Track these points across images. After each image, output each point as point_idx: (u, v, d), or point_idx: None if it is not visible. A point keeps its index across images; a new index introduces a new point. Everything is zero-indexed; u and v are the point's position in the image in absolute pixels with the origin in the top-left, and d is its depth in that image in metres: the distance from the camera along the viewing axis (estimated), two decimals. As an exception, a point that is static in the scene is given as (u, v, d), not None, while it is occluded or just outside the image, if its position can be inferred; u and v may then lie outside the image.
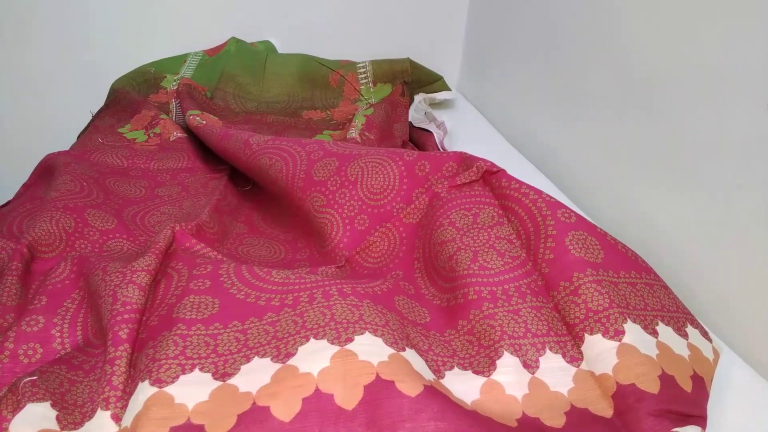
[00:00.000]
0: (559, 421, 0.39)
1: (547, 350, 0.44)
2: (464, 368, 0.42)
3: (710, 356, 0.44)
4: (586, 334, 0.43)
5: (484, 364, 0.43)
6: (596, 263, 0.47)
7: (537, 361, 0.43)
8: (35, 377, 0.38)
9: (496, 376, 0.42)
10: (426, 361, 0.41)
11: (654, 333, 0.43)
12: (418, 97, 1.12)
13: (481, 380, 0.41)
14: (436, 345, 0.44)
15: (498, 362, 0.43)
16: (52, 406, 0.37)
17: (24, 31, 1.10)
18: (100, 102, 1.03)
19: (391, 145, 0.95)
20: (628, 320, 0.43)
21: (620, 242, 0.50)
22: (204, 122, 0.84)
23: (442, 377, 0.41)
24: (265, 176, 0.69)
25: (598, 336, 0.43)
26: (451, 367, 0.42)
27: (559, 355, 0.44)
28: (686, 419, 0.39)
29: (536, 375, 0.42)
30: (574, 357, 0.43)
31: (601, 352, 0.42)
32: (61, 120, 1.14)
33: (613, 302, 0.44)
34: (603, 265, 0.47)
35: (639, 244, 0.69)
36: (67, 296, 0.48)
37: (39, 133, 1.19)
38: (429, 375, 0.40)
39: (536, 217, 0.51)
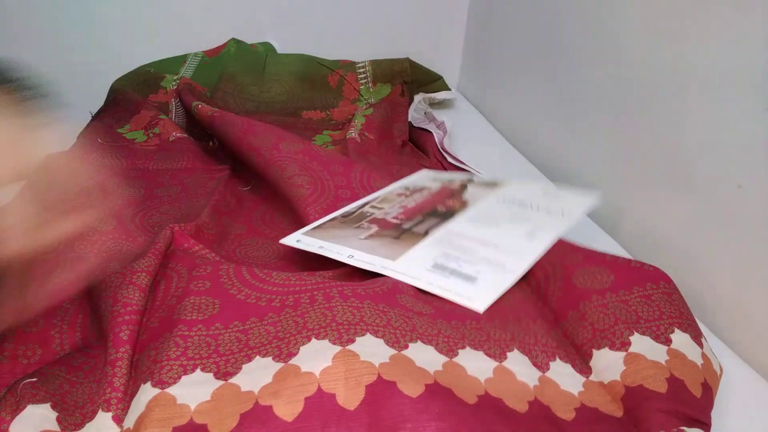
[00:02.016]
0: (568, 415, 0.39)
1: (558, 358, 0.44)
2: (476, 349, 0.43)
3: (717, 370, 0.44)
4: (593, 350, 0.44)
5: (494, 351, 0.43)
6: (604, 289, 0.48)
7: (547, 364, 0.44)
8: (35, 379, 0.38)
9: (506, 364, 0.42)
10: (436, 344, 0.41)
11: (667, 341, 0.43)
12: (418, 97, 1.12)
13: (493, 363, 0.42)
14: (445, 329, 0.44)
15: (509, 354, 0.43)
16: (53, 407, 0.37)
17: (23, 31, 1.10)
18: (99, 102, 1.03)
19: (391, 145, 0.95)
20: (635, 333, 0.44)
21: (635, 260, 0.51)
22: (215, 111, 0.83)
23: (456, 356, 0.41)
24: (283, 185, 0.69)
25: (605, 349, 0.44)
26: (463, 347, 0.42)
27: (569, 365, 0.44)
28: (692, 423, 0.39)
29: (546, 374, 0.43)
30: (584, 370, 0.44)
31: (608, 363, 0.43)
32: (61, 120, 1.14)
33: (619, 319, 0.45)
34: (612, 288, 0.48)
35: (638, 244, 0.69)
36: None
37: (38, 133, 1.18)
38: (437, 362, 0.39)
39: (546, 267, 0.53)
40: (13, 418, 0.35)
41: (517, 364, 0.42)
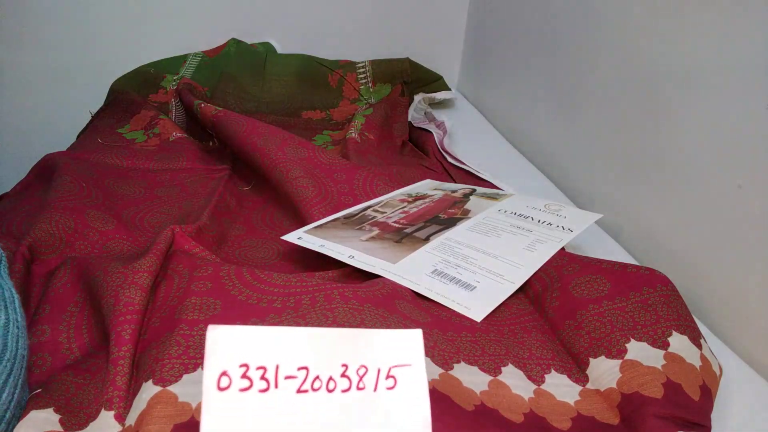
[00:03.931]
0: (564, 425, 0.39)
1: (553, 370, 0.45)
2: (470, 364, 0.43)
3: (717, 371, 0.44)
4: (590, 359, 0.45)
5: (489, 366, 0.43)
6: (600, 297, 0.48)
7: (542, 377, 0.44)
8: (40, 390, 0.38)
9: (501, 378, 0.42)
10: (432, 356, 0.41)
11: (664, 345, 0.43)
12: (418, 97, 1.12)
13: (487, 377, 0.42)
14: (441, 342, 0.44)
15: (503, 369, 0.43)
16: (56, 411, 0.37)
17: (24, 31, 1.10)
18: (99, 102, 1.03)
19: (391, 145, 0.95)
20: (632, 339, 0.44)
21: (631, 265, 0.51)
22: (219, 110, 0.83)
23: (451, 369, 0.41)
24: (287, 185, 0.70)
25: (602, 357, 0.44)
26: (458, 361, 0.43)
27: (565, 375, 0.44)
28: (691, 426, 0.39)
29: (541, 387, 0.43)
30: (580, 379, 0.44)
31: (605, 370, 0.43)
32: (61, 120, 1.14)
33: (615, 327, 0.45)
34: (608, 296, 0.48)
35: (639, 245, 0.69)
36: (70, 301, 0.48)
37: (38, 133, 1.19)
38: (434, 372, 0.40)
39: (544, 278, 0.53)
40: (17, 423, 0.35)
41: (512, 377, 0.43)
